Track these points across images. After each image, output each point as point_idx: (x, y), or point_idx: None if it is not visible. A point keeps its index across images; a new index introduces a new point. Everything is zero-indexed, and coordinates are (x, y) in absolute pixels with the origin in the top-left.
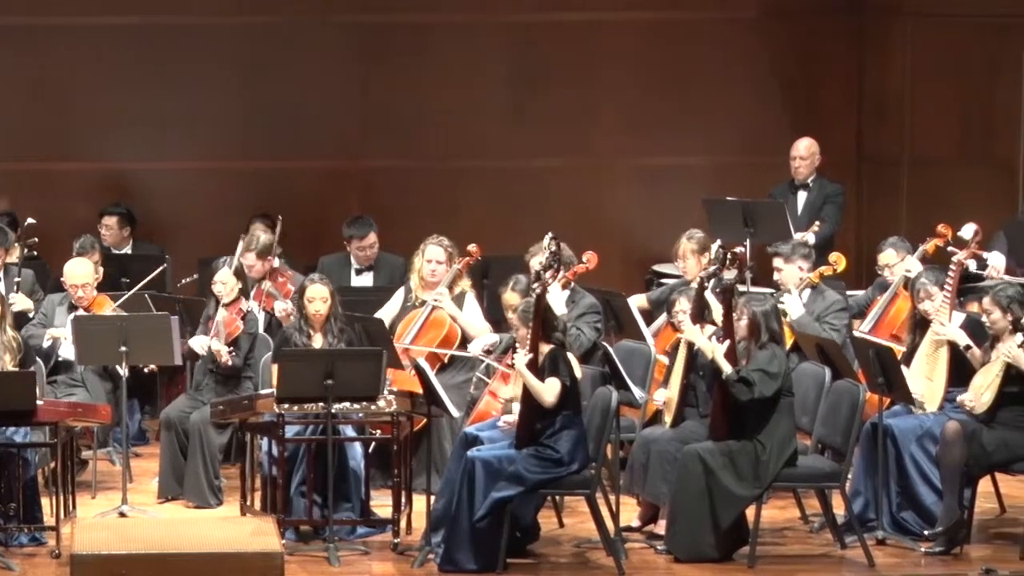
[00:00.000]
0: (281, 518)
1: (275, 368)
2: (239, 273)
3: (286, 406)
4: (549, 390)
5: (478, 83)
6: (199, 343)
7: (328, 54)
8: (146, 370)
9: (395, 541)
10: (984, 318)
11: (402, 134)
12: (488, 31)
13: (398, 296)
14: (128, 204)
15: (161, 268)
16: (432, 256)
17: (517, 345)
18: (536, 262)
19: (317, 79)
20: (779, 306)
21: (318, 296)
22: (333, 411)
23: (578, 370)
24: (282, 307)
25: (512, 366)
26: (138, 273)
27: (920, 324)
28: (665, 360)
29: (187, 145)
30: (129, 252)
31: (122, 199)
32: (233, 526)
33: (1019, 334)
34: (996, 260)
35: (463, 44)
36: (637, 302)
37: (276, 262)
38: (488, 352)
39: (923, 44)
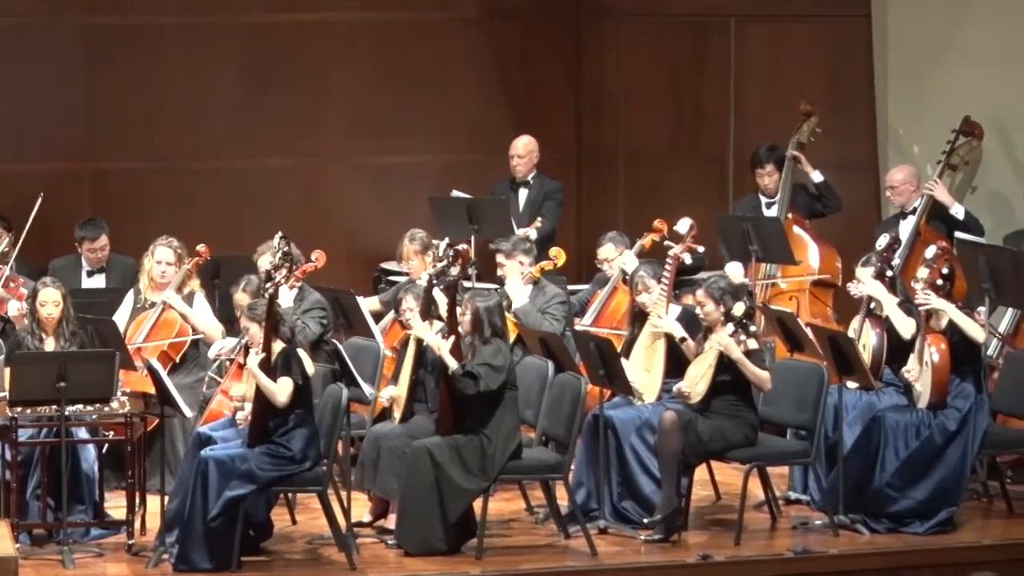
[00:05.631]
0: (15, 522)
1: (7, 371)
2: None
3: (19, 409)
4: (281, 390)
5: (208, 84)
6: None
7: (57, 56)
8: None
9: (129, 542)
10: (698, 310)
11: (133, 136)
12: (217, 32)
13: (128, 298)
14: None
15: None
16: (161, 257)
17: (249, 345)
18: (265, 261)
19: (46, 81)
20: (505, 292)
21: (50, 300)
22: (66, 413)
23: (310, 367)
24: (16, 307)
25: (244, 365)
26: None
27: (638, 317)
28: (392, 355)
29: None
30: None
31: None
32: None
33: (731, 324)
34: (734, 269)
35: (192, 45)
36: (369, 305)
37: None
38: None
39: (636, 44)
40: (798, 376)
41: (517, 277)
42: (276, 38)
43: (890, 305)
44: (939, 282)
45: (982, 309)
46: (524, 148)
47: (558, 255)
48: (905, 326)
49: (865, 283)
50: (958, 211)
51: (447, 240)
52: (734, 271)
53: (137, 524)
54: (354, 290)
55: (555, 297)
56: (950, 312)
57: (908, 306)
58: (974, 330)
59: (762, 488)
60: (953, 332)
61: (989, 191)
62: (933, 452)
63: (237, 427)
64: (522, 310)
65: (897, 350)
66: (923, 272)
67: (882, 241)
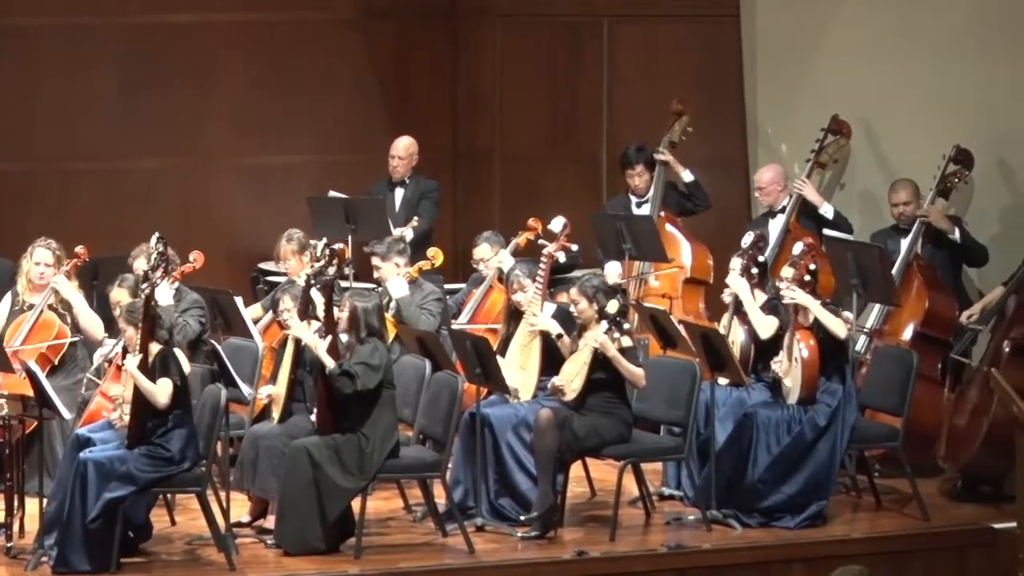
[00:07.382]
0: None
1: None
2: None
3: None
4: (161, 391)
5: (86, 85)
6: None
7: None
8: None
9: (8, 545)
10: (572, 308)
11: (10, 137)
12: (96, 33)
13: (6, 300)
14: None
15: None
16: (40, 259)
17: (126, 346)
18: (140, 264)
19: None
20: (384, 292)
21: None
22: None
23: (186, 367)
24: None
25: (122, 367)
26: None
27: (514, 315)
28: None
29: None
30: None
31: None
32: None
33: (604, 322)
34: (612, 269)
35: (70, 46)
36: (252, 313)
37: None
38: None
39: (511, 44)
40: (671, 373)
41: (395, 275)
42: (155, 39)
43: (749, 305)
44: (806, 278)
45: (848, 314)
46: (405, 150)
47: (436, 255)
48: (763, 326)
49: (732, 281)
50: (827, 210)
51: (324, 240)
52: (612, 271)
53: (16, 527)
54: (232, 290)
55: (431, 294)
56: (813, 309)
57: (775, 303)
58: (836, 326)
59: (636, 484)
60: (819, 328)
61: (857, 189)
62: (804, 447)
63: (115, 429)
64: (403, 300)
65: (765, 347)
66: (788, 270)
67: (747, 239)
